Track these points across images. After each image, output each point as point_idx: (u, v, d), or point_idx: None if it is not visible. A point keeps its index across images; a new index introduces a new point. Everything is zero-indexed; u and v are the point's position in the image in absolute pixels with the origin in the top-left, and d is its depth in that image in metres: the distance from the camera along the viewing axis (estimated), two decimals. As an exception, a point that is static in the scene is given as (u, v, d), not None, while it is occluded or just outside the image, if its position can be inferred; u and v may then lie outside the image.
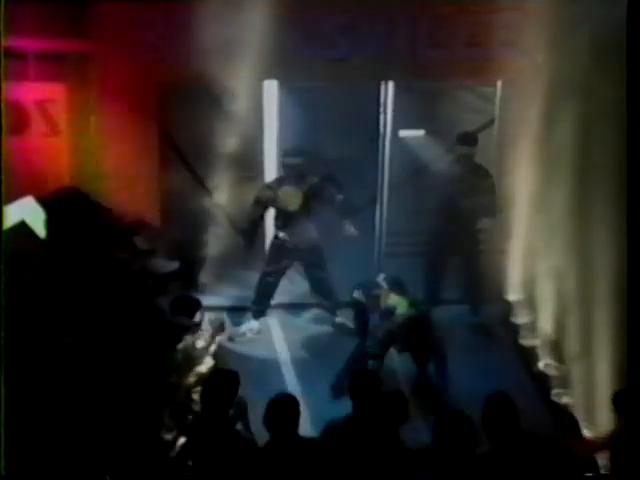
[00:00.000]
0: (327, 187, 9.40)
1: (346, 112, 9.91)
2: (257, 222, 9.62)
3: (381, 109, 10.00)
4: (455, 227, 9.63)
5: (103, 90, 9.60)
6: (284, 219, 9.46)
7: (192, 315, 8.01)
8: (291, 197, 9.28)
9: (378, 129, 10.09)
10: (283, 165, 9.47)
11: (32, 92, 9.58)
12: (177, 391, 7.61)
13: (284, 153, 9.48)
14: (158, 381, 7.48)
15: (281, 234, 9.53)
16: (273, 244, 9.71)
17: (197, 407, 7.27)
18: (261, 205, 9.53)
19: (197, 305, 8.17)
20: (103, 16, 9.24)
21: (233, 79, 9.11)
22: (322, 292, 9.81)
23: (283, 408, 6.23)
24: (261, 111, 9.93)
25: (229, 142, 9.53)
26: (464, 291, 9.96)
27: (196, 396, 7.44)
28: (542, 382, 8.85)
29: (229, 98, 9.38)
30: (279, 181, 9.46)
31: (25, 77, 9.37)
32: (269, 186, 9.52)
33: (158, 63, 9.48)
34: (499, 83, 9.94)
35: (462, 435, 5.90)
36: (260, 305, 9.75)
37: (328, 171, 9.60)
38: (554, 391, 8.64)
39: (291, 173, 9.34)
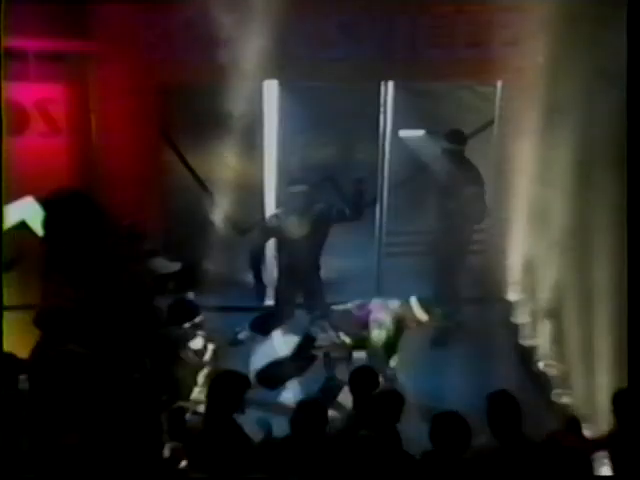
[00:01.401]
0: (334, 207, 9.31)
1: (346, 112, 9.94)
2: (262, 253, 9.55)
3: (381, 109, 10.00)
4: (452, 226, 9.60)
5: (103, 90, 9.62)
6: (287, 247, 9.40)
7: (191, 319, 8.04)
8: (296, 228, 9.21)
9: (378, 129, 10.08)
10: (289, 194, 9.35)
11: (32, 92, 9.60)
12: (176, 394, 7.64)
13: (289, 182, 9.39)
14: (156, 384, 7.51)
15: (282, 261, 9.56)
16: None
17: (200, 409, 7.30)
18: (266, 233, 9.49)
19: (196, 309, 8.20)
20: (103, 16, 9.23)
21: (233, 79, 9.06)
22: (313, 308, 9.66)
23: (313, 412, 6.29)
24: (261, 111, 9.93)
25: (229, 142, 9.50)
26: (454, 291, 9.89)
27: (198, 398, 7.53)
28: (542, 382, 8.87)
29: (229, 98, 9.34)
30: (286, 211, 9.34)
31: (25, 77, 9.37)
32: (276, 216, 9.44)
33: (158, 63, 9.50)
34: (499, 83, 9.92)
35: (457, 435, 5.98)
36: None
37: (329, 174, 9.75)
38: (554, 391, 8.65)
39: (297, 202, 9.22)
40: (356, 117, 10.05)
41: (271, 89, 9.88)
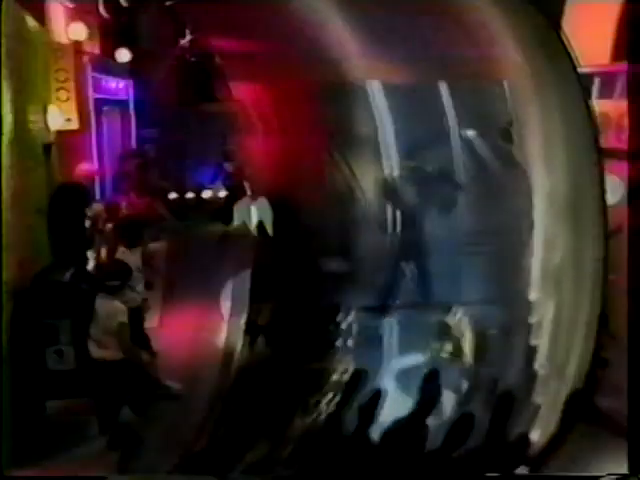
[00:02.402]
0: (444, 187, 9.97)
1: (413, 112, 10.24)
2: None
3: (443, 109, 10.13)
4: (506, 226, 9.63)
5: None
6: (399, 216, 10.18)
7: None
8: (407, 196, 10.02)
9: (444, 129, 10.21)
10: (403, 167, 10.15)
11: (249, 93, 10.85)
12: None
13: (404, 156, 10.16)
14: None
15: (391, 230, 10.28)
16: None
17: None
18: (384, 194, 10.33)
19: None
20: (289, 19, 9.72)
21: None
22: (425, 291, 10.19)
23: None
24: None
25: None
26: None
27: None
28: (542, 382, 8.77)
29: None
30: (401, 180, 10.17)
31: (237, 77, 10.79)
32: (395, 180, 10.27)
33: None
34: (505, 83, 9.53)
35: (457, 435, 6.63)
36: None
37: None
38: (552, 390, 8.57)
39: (411, 175, 10.04)
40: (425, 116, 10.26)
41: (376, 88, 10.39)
